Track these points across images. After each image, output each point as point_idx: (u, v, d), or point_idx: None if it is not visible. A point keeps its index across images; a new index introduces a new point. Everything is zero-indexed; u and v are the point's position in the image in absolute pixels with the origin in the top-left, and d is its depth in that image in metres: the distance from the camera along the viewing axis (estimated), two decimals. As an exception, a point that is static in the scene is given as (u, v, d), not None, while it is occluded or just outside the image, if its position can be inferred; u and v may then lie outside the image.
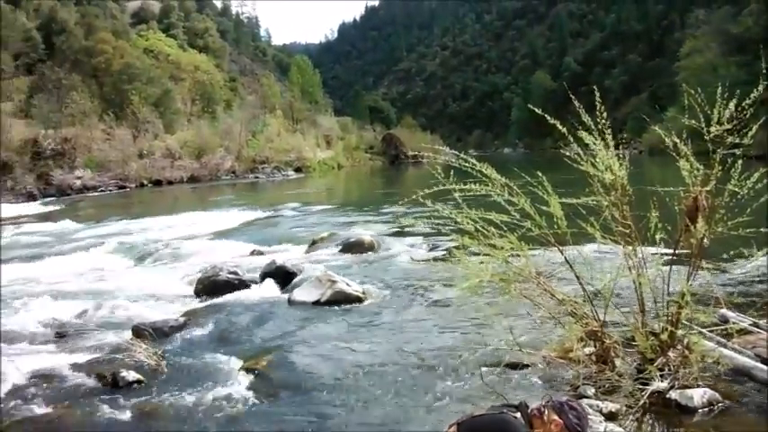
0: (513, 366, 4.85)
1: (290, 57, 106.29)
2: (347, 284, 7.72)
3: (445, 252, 9.64)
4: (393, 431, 4.17)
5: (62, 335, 7.16)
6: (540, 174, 4.71)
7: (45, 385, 5.16)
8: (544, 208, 4.61)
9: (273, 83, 79.27)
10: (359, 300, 7.50)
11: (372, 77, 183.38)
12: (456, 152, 4.85)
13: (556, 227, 4.58)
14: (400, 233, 12.21)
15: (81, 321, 7.57)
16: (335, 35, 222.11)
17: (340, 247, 11.17)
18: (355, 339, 6.09)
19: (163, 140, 43.14)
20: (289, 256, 10.77)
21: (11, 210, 25.94)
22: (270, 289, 8.52)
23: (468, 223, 4.61)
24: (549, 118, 4.88)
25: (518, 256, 4.70)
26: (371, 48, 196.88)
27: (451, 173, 4.58)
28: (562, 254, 4.72)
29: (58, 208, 26.39)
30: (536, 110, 5.24)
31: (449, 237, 5.15)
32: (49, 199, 31.15)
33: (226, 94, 69.81)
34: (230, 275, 8.73)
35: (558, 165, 5.33)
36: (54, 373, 5.42)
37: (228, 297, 8.24)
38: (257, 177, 44.35)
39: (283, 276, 8.79)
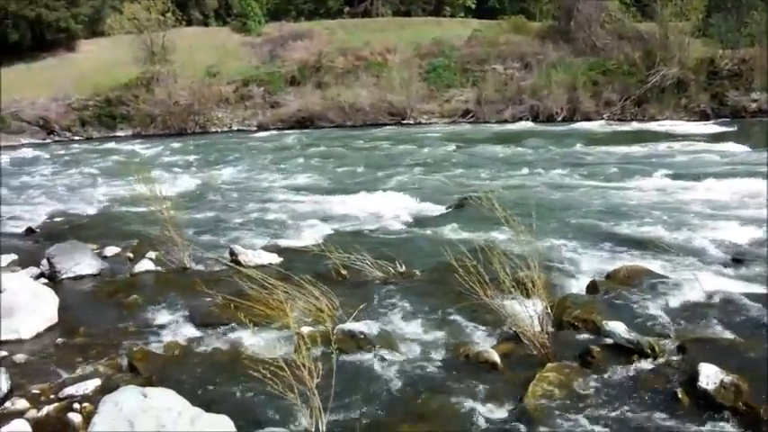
0: None
1: None
2: None
3: None
4: None
5: (739, 260, 7.08)
6: None
7: (720, 308, 5.05)
8: None
9: None
10: None
11: None
12: None
13: None
14: None
15: (756, 249, 7.45)
16: None
17: None
18: None
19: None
20: None
21: (681, 127, 27.00)
22: None
23: None
24: None
25: None
26: None
27: None
28: None
29: (728, 129, 24.99)
30: None
31: None
32: (721, 120, 30.05)
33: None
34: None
35: None
36: (729, 298, 5.19)
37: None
38: None
39: None
